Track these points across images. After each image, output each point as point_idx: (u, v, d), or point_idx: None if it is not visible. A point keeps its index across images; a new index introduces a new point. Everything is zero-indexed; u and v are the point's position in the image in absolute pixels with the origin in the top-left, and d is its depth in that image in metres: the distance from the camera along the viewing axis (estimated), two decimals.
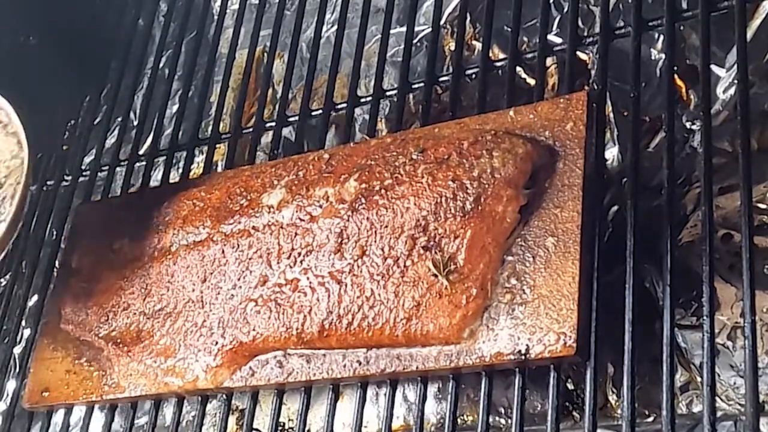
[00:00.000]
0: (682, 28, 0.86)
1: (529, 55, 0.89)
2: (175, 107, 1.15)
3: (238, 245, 0.87)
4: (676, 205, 0.79)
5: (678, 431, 0.67)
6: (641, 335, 0.70)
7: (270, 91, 1.15)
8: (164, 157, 1.10)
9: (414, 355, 0.76)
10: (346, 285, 0.78)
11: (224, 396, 0.88)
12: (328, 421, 0.81)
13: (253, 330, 0.83)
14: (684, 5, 0.87)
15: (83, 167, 1.18)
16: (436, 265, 0.74)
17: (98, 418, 0.96)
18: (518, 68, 0.91)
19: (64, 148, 1.26)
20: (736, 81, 0.78)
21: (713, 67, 0.85)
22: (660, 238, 0.72)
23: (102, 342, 0.94)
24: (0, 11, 1.23)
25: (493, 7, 0.92)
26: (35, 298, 1.10)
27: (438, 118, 0.88)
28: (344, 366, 0.79)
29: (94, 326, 0.94)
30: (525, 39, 0.94)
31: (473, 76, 0.91)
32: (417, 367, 0.75)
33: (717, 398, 0.69)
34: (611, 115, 0.88)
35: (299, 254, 0.82)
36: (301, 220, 0.83)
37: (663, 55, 0.88)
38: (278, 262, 0.83)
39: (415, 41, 0.99)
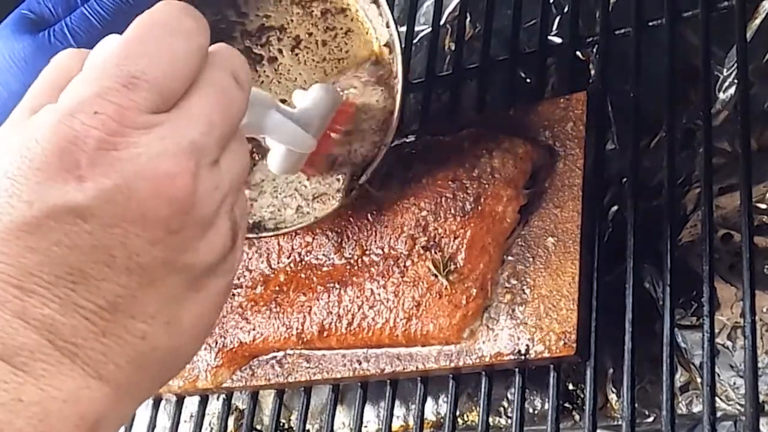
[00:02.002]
0: (682, 28, 0.86)
1: (529, 55, 0.89)
2: None
3: None
4: (676, 205, 0.79)
5: (678, 431, 0.67)
6: (641, 335, 0.69)
7: None
8: None
9: (414, 355, 0.76)
10: (345, 285, 0.78)
11: (224, 396, 0.88)
12: (328, 421, 0.81)
13: (253, 330, 0.83)
14: (684, 5, 0.87)
15: None
16: (436, 265, 0.74)
17: None
18: (518, 68, 0.91)
19: None
20: (736, 81, 0.78)
21: (713, 67, 0.85)
22: (660, 238, 0.72)
23: None
24: None
25: (493, 7, 0.92)
26: None
27: (438, 118, 0.88)
28: (344, 366, 0.79)
29: None
30: (525, 39, 0.94)
31: (473, 75, 0.91)
32: (417, 367, 0.75)
33: (717, 398, 0.69)
34: (611, 115, 0.88)
35: (299, 254, 0.82)
36: None
37: (663, 55, 0.88)
38: (278, 262, 0.83)
39: (415, 41, 0.99)
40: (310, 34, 0.82)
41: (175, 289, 0.39)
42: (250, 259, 0.85)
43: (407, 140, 0.83)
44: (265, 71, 0.83)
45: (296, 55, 0.82)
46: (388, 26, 0.78)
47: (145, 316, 0.39)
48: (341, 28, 0.82)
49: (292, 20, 0.83)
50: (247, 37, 0.83)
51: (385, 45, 0.79)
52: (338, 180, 0.77)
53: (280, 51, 0.82)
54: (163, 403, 0.93)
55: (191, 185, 0.38)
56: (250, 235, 0.80)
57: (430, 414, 0.86)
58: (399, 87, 0.76)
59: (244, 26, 0.83)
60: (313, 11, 0.82)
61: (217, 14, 0.82)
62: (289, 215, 0.79)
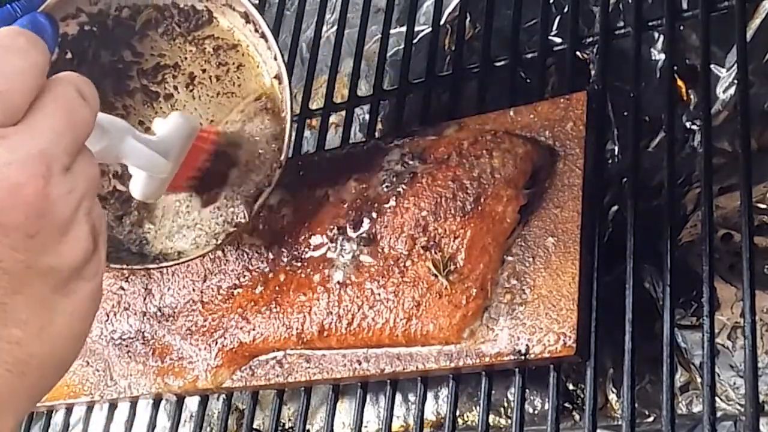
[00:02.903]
0: (682, 28, 0.87)
1: (529, 55, 0.89)
2: None
3: (239, 245, 0.87)
4: (676, 205, 0.79)
5: (678, 431, 0.67)
6: (641, 335, 0.70)
7: None
8: None
9: (414, 355, 0.76)
10: (345, 285, 0.78)
11: (224, 396, 0.88)
12: (328, 421, 0.81)
13: (253, 330, 0.83)
14: (684, 5, 0.88)
15: None
16: (435, 265, 0.74)
17: (98, 418, 0.96)
18: (518, 68, 0.91)
19: None
20: (736, 81, 0.78)
21: (713, 67, 0.85)
22: (660, 238, 0.72)
23: (102, 342, 0.94)
24: None
25: (493, 7, 0.92)
26: None
27: (438, 118, 0.88)
28: (344, 366, 0.79)
29: (95, 326, 0.94)
30: (525, 39, 0.94)
31: (473, 76, 0.91)
32: (417, 367, 0.75)
33: (717, 398, 0.69)
34: (611, 115, 0.88)
35: (299, 254, 0.82)
36: (301, 219, 0.83)
37: (663, 55, 0.88)
38: (279, 262, 0.83)
39: (415, 41, 0.99)
40: (204, 71, 0.87)
41: (43, 294, 0.40)
42: (250, 258, 0.85)
43: (407, 140, 0.83)
44: (161, 107, 0.87)
45: (191, 91, 0.87)
46: (276, 59, 0.82)
47: (17, 322, 0.39)
48: (233, 63, 0.86)
49: (186, 58, 0.87)
50: (143, 76, 0.87)
51: (275, 77, 0.83)
52: (234, 214, 0.81)
53: (176, 88, 0.87)
54: (163, 403, 0.93)
55: (43, 189, 0.39)
56: (151, 266, 0.84)
57: (430, 414, 0.86)
58: (288, 117, 0.80)
59: (140, 65, 0.87)
60: (205, 48, 0.86)
61: (114, 55, 0.86)
62: (188, 246, 0.83)
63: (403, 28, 0.99)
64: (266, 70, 0.85)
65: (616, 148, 0.88)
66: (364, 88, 1.03)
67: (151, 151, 0.70)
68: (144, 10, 0.86)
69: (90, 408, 0.96)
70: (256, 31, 0.83)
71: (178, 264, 0.84)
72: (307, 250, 0.82)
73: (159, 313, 0.90)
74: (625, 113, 0.87)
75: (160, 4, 0.86)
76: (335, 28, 1.03)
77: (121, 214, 0.87)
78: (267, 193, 0.79)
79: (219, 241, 0.81)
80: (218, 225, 0.82)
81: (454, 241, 0.75)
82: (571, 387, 0.81)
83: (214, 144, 0.81)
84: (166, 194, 0.80)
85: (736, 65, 0.78)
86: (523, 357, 0.70)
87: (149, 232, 0.86)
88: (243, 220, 0.80)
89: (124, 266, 0.85)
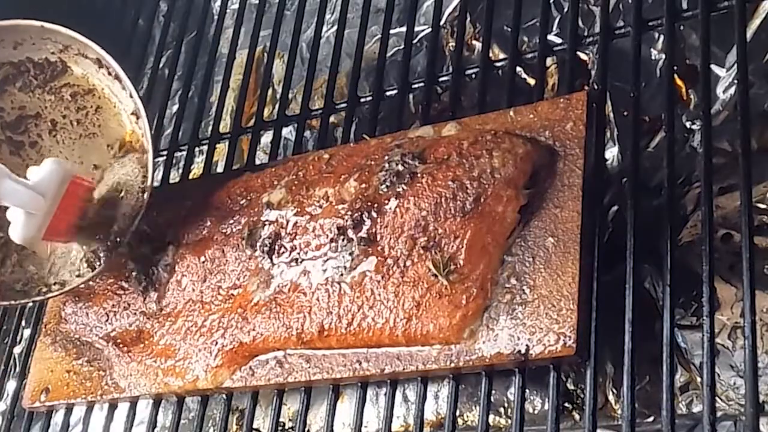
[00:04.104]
0: (682, 28, 0.86)
1: (529, 55, 0.89)
2: (175, 107, 1.15)
3: (239, 245, 0.87)
4: (676, 205, 0.79)
5: (678, 431, 0.67)
6: (641, 335, 0.70)
7: (270, 91, 1.15)
8: (164, 158, 1.10)
9: (414, 355, 0.76)
10: (345, 285, 0.78)
11: (224, 396, 0.88)
12: (328, 421, 0.81)
13: (253, 330, 0.83)
14: (684, 5, 0.88)
15: None
16: (436, 265, 0.74)
17: (98, 418, 0.96)
18: (518, 68, 0.91)
19: None
20: (736, 81, 0.78)
21: (713, 67, 0.85)
22: (660, 238, 0.72)
23: (102, 342, 0.94)
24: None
25: (493, 7, 0.92)
26: None
27: (438, 118, 0.88)
28: (344, 366, 0.79)
29: (95, 326, 0.94)
30: (525, 39, 0.94)
31: (473, 76, 0.91)
32: (417, 367, 0.75)
33: (717, 398, 0.69)
34: (611, 115, 0.88)
35: (299, 254, 0.82)
36: (301, 219, 0.83)
37: (663, 55, 0.88)
38: (278, 262, 0.83)
39: (415, 41, 0.99)
40: (65, 116, 0.95)
41: None
42: (250, 258, 0.85)
43: (407, 140, 0.83)
44: (28, 155, 0.95)
45: (54, 136, 0.95)
46: (131, 96, 0.89)
47: None
48: (91, 106, 0.94)
49: (46, 107, 0.95)
50: (7, 128, 0.95)
51: (132, 114, 0.92)
52: (107, 242, 0.89)
53: (39, 135, 0.95)
54: (163, 403, 0.93)
55: None
56: (37, 299, 0.93)
57: (430, 414, 0.86)
58: (149, 147, 0.87)
59: (3, 119, 0.95)
60: (63, 95, 0.95)
61: None
62: (69, 278, 0.91)
63: (403, 28, 0.99)
64: (123, 108, 0.92)
65: (616, 148, 0.88)
66: (364, 89, 1.03)
67: (28, 190, 0.76)
68: (1, 68, 0.94)
69: (90, 408, 0.96)
70: (110, 73, 0.91)
71: (61, 293, 0.90)
72: (307, 250, 0.82)
73: (159, 313, 0.90)
74: (625, 113, 0.87)
75: (15, 60, 0.94)
76: (335, 28, 1.03)
77: (2, 257, 0.94)
78: (136, 222, 0.86)
79: (95, 271, 0.88)
80: (92, 256, 0.89)
81: (454, 241, 0.75)
82: (571, 387, 0.81)
83: (89, 190, 0.88)
84: (49, 241, 0.88)
85: (736, 65, 0.78)
86: (523, 357, 0.70)
87: (34, 271, 0.93)
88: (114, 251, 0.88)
89: (11, 302, 0.93)
